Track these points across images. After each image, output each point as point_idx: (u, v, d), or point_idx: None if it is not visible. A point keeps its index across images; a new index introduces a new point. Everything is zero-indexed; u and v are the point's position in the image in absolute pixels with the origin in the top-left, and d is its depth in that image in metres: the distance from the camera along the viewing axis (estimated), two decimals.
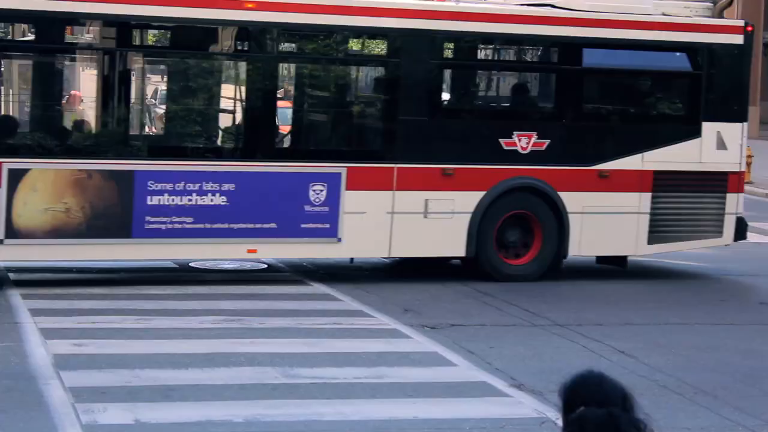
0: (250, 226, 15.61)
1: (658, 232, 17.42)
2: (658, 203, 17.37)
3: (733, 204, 17.79)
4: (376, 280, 16.72)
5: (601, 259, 17.99)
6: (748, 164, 31.53)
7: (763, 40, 46.41)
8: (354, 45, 17.29)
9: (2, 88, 15.75)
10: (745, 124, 18.08)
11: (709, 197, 17.68)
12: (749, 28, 18.02)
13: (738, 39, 17.81)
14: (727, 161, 17.75)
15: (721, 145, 17.66)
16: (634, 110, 18.16)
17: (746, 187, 30.78)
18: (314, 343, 12.89)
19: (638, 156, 17.26)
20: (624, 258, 17.73)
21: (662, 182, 17.34)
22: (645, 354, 12.98)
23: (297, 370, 11.71)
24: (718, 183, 17.67)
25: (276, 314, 14.28)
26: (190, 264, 17.24)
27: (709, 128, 17.62)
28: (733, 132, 17.80)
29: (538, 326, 14.21)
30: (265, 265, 17.59)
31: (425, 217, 16.30)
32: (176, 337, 12.99)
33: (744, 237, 18.14)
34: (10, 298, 14.53)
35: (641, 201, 17.25)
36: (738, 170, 17.87)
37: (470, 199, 16.51)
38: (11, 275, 15.95)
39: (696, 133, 17.57)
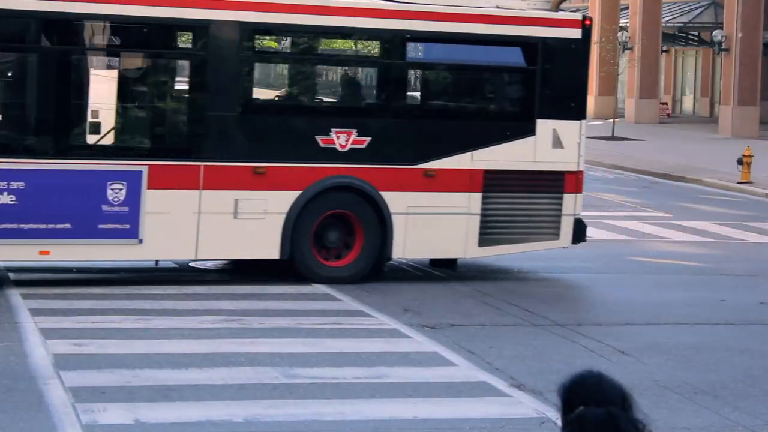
0: (42, 226, 14.80)
1: (489, 234, 16.60)
2: (489, 204, 16.54)
3: (571, 205, 16.86)
4: (376, 280, 16.70)
5: (434, 261, 17.31)
6: (748, 164, 31.58)
7: (763, 40, 46.44)
8: (159, 37, 16.12)
9: None
10: (584, 121, 17.17)
11: (545, 198, 16.82)
12: (587, 22, 17.11)
13: (576, 33, 16.91)
14: (564, 160, 16.85)
15: (558, 143, 16.80)
16: (463, 107, 17.47)
17: (747, 187, 30.96)
18: (314, 343, 12.89)
19: (467, 154, 16.44)
20: (454, 260, 17.01)
21: (493, 182, 16.52)
22: (645, 354, 12.98)
23: (297, 370, 11.71)
24: (554, 183, 16.81)
25: (276, 314, 14.29)
26: (190, 264, 17.24)
27: (544, 126, 16.76)
28: (571, 130, 16.90)
29: (538, 326, 14.21)
30: None
31: (235, 218, 15.56)
32: (176, 337, 13.00)
33: (583, 239, 17.14)
34: (10, 298, 14.53)
35: (471, 201, 16.44)
36: (576, 170, 16.91)
37: (284, 199, 15.75)
38: (11, 275, 15.95)
39: (530, 131, 16.72)
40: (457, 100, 17.57)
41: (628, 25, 51.61)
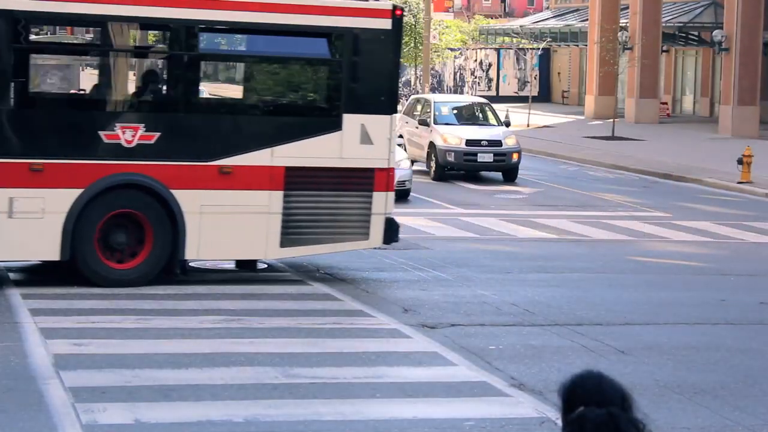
0: None
1: (292, 233, 15.81)
2: (292, 202, 15.74)
3: (381, 203, 16.06)
4: (376, 280, 16.71)
5: (239, 262, 16.57)
6: (748, 164, 31.55)
7: (763, 40, 46.43)
8: None
9: None
10: (395, 116, 16.36)
11: (353, 196, 16.00)
12: (398, 12, 16.15)
13: (385, 24, 16.04)
14: (374, 157, 15.99)
15: (366, 139, 15.93)
16: (262, 101, 16.53)
17: (747, 187, 30.93)
18: (314, 343, 12.90)
19: (267, 151, 15.64)
20: (254, 261, 16.36)
21: (296, 179, 15.71)
22: (645, 354, 12.98)
23: (297, 370, 11.72)
24: (363, 181, 15.98)
25: (276, 314, 14.29)
26: (190, 264, 17.23)
27: (351, 121, 15.90)
28: (381, 125, 16.01)
29: (538, 326, 14.21)
30: (265, 265, 17.58)
31: (10, 217, 14.76)
32: (176, 337, 13.00)
33: (395, 239, 16.45)
34: (10, 298, 14.54)
35: (271, 200, 15.63)
36: (386, 167, 16.09)
37: (64, 198, 14.93)
38: (11, 275, 15.95)
39: (336, 126, 15.91)
40: (256, 94, 16.69)
41: (628, 25, 51.57)
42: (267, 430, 9.92)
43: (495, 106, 34.33)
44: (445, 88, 65.56)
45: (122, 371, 11.45)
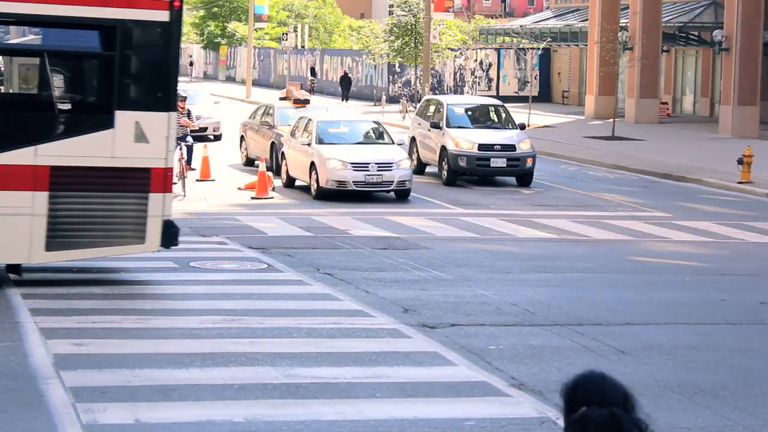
0: None
1: (60, 237, 14.99)
2: (59, 204, 14.92)
3: (158, 205, 15.25)
4: (376, 280, 16.71)
5: (8, 266, 15.49)
6: (748, 164, 31.52)
7: (763, 40, 46.43)
8: None
9: None
10: (172, 114, 15.44)
11: (127, 197, 15.23)
12: (176, 4, 15.32)
13: (163, 16, 15.24)
14: (149, 156, 15.20)
15: (142, 137, 15.16)
16: (23, 96, 15.98)
17: (747, 187, 30.90)
18: (314, 343, 12.90)
19: (30, 149, 14.82)
20: (18, 265, 15.36)
21: (63, 179, 14.91)
22: (645, 354, 12.98)
23: (297, 370, 11.72)
24: (138, 181, 15.18)
25: (276, 314, 14.29)
26: (190, 264, 17.24)
27: (124, 118, 15.11)
28: (157, 122, 15.21)
29: (538, 326, 14.20)
30: (265, 265, 17.59)
31: None
32: (176, 336, 13.01)
33: (174, 243, 15.60)
34: (10, 298, 14.54)
35: (35, 201, 14.81)
36: (164, 166, 15.31)
37: None
38: (11, 275, 15.94)
39: (108, 123, 15.10)
40: (16, 88, 15.94)
41: (628, 25, 51.55)
42: (267, 430, 9.93)
43: None
44: (445, 88, 65.56)
45: (122, 371, 11.45)
